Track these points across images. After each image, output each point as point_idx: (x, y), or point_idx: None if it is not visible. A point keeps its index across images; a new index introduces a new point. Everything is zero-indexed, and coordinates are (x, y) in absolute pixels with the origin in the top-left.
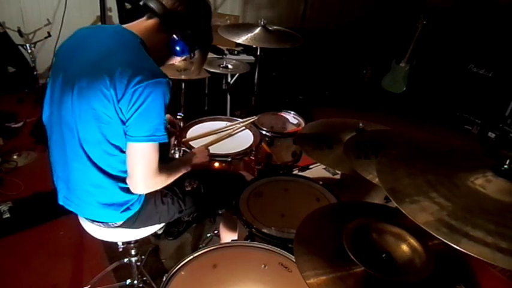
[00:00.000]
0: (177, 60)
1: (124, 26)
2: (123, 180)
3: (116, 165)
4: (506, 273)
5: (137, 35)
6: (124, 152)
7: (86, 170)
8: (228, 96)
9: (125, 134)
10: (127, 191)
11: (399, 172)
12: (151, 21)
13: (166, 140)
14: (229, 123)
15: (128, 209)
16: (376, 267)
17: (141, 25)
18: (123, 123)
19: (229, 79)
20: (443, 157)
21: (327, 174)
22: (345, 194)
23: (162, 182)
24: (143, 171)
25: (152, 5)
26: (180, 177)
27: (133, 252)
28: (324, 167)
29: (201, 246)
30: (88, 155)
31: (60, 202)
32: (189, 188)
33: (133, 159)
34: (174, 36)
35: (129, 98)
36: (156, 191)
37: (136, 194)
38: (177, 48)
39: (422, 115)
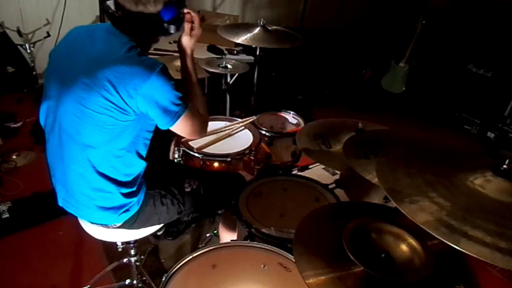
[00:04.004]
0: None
1: None
2: (124, 184)
3: (120, 168)
4: (506, 273)
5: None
6: (130, 152)
7: (86, 174)
8: (228, 96)
9: (157, 124)
10: (127, 195)
11: (398, 172)
12: None
13: (187, 108)
14: (228, 123)
15: (126, 210)
16: (375, 267)
17: None
18: (134, 115)
19: (228, 79)
20: (443, 157)
21: (327, 174)
22: (345, 193)
23: (204, 111)
24: (194, 130)
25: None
26: (179, 178)
27: (132, 252)
28: (324, 167)
29: (200, 246)
30: (90, 159)
31: (60, 204)
32: (189, 189)
33: (181, 133)
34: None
35: (141, 99)
36: (155, 193)
37: (135, 197)
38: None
39: (421, 115)
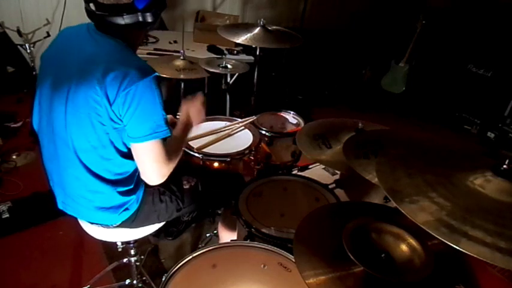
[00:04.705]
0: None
1: None
2: (120, 183)
3: (112, 169)
4: (506, 273)
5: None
6: (120, 155)
7: (81, 177)
8: (228, 96)
9: (127, 135)
10: (125, 193)
11: (398, 172)
12: None
13: (170, 134)
14: (228, 123)
15: (126, 209)
16: (375, 267)
17: None
18: (119, 123)
19: (228, 79)
20: (443, 157)
21: (327, 174)
22: (345, 193)
23: (173, 163)
24: (154, 167)
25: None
26: (178, 175)
27: (132, 252)
28: (323, 167)
29: (200, 246)
30: (83, 162)
31: (60, 207)
32: (187, 186)
33: (141, 158)
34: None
35: (122, 101)
36: (153, 190)
37: (134, 195)
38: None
39: (421, 115)
